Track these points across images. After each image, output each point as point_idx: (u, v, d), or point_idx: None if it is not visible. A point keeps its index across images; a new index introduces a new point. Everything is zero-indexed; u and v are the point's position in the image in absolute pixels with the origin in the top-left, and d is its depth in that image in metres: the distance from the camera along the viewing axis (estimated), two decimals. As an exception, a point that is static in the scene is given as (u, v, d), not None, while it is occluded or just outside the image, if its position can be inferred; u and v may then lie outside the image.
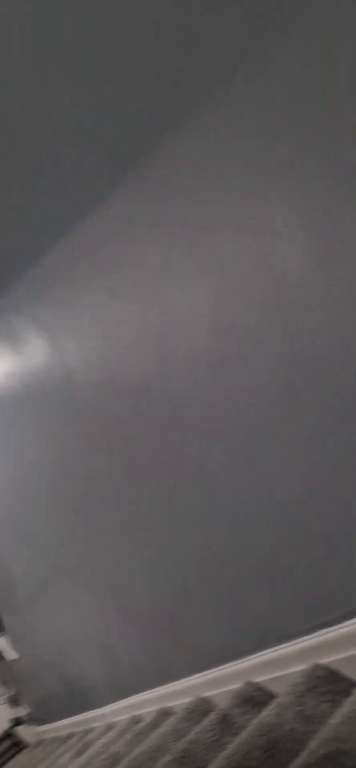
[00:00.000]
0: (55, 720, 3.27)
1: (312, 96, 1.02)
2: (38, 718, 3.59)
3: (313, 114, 1.03)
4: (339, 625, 1.27)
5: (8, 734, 3.85)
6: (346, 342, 1.09)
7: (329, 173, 1.04)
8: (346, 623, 1.25)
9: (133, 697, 2.25)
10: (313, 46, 1.00)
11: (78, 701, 2.87)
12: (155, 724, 1.91)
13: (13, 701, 3.83)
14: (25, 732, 3.77)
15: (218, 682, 1.67)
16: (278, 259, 1.13)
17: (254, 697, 1.48)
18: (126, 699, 2.31)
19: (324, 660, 1.30)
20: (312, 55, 1.00)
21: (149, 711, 2.07)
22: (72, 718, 2.98)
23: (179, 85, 1.19)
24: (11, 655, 3.66)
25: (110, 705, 2.48)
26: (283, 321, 1.16)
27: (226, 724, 1.46)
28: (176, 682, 1.91)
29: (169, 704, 1.95)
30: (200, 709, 1.71)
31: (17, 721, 3.80)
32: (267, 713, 1.30)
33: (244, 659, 1.55)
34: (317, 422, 1.18)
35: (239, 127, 1.12)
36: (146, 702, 2.13)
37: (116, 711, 2.42)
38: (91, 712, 2.71)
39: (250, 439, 1.30)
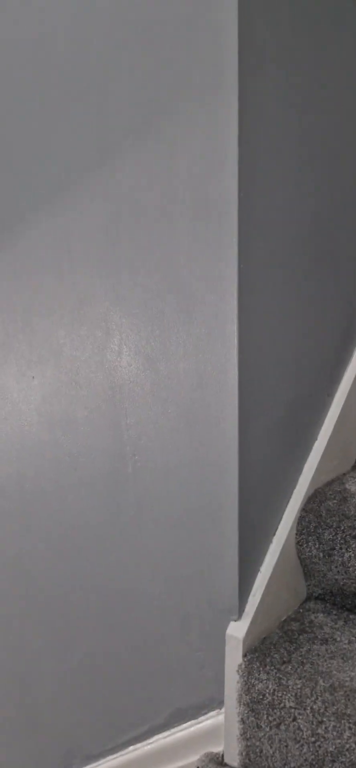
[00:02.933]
0: None
1: (151, 205, 1.10)
2: None
3: (152, 223, 1.10)
4: (145, 742, 1.21)
5: None
6: (168, 439, 1.12)
7: (163, 281, 1.10)
8: (152, 739, 1.20)
9: None
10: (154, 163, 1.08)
11: None
12: None
13: None
14: None
15: None
16: (110, 355, 1.16)
17: None
18: None
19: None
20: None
21: None
22: None
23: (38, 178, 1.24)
24: None
25: None
26: (111, 415, 1.17)
27: None
28: None
29: None
30: None
31: None
32: None
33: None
34: (140, 520, 1.17)
35: (85, 229, 1.17)
36: None
37: None
38: None
39: (74, 534, 1.26)
